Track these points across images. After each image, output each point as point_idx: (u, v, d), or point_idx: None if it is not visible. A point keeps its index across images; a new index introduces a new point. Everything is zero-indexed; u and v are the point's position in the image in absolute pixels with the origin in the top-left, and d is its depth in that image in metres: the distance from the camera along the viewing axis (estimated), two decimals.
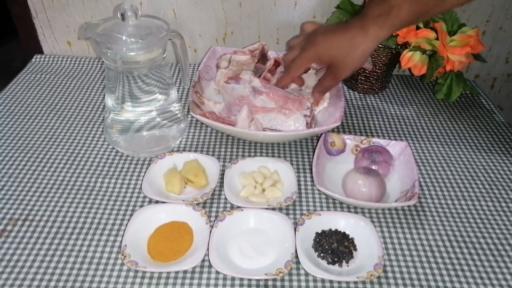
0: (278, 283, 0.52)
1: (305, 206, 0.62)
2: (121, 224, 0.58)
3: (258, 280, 0.52)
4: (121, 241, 0.55)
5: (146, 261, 0.52)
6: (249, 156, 0.71)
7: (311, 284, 0.52)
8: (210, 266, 0.53)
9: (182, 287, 0.51)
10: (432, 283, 0.53)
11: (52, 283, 0.51)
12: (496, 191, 0.66)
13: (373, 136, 0.76)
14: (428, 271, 0.54)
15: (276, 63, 0.81)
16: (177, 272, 0.53)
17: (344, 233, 0.57)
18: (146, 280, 0.52)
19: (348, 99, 0.87)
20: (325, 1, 0.88)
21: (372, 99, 0.87)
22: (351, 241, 0.56)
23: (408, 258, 0.56)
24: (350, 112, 0.83)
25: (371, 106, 0.85)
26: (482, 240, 0.58)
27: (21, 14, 0.91)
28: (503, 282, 0.53)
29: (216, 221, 0.57)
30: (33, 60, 0.94)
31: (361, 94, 0.89)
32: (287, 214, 0.60)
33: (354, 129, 0.78)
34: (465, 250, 0.57)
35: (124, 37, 0.59)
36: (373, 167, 0.65)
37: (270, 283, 0.52)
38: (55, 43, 0.96)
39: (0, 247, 0.55)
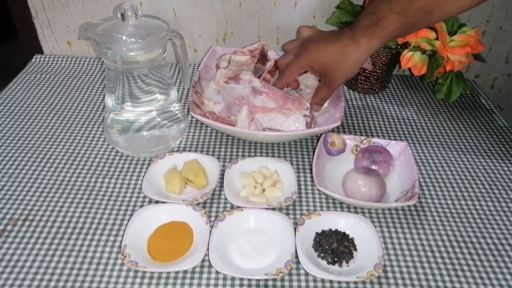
0: (278, 283, 0.52)
1: (305, 206, 0.62)
2: (121, 224, 0.58)
3: (258, 280, 0.52)
4: (121, 241, 0.55)
5: (146, 261, 0.52)
6: (249, 156, 0.71)
7: (311, 284, 0.52)
8: (210, 266, 0.53)
9: (182, 287, 0.51)
10: (432, 283, 0.53)
11: (52, 283, 0.51)
12: (496, 191, 0.66)
13: (373, 136, 0.76)
14: (428, 271, 0.54)
15: (276, 64, 0.81)
16: (177, 272, 0.53)
17: (344, 233, 0.57)
18: (146, 280, 0.52)
19: (348, 99, 0.87)
20: (325, 1, 0.88)
21: (372, 99, 0.87)
22: (351, 241, 0.56)
23: (408, 258, 0.56)
24: (350, 112, 0.83)
25: (371, 106, 0.85)
26: (482, 240, 0.58)
27: (21, 14, 0.91)
28: (503, 282, 0.53)
29: (216, 221, 0.57)
30: (33, 60, 0.94)
31: (361, 94, 0.89)
32: (287, 214, 0.60)
33: (354, 129, 0.78)
34: (465, 250, 0.57)
35: (124, 37, 0.59)
36: (373, 167, 0.65)
37: (270, 283, 0.52)
38: (55, 43, 0.96)
39: (0, 247, 0.55)
